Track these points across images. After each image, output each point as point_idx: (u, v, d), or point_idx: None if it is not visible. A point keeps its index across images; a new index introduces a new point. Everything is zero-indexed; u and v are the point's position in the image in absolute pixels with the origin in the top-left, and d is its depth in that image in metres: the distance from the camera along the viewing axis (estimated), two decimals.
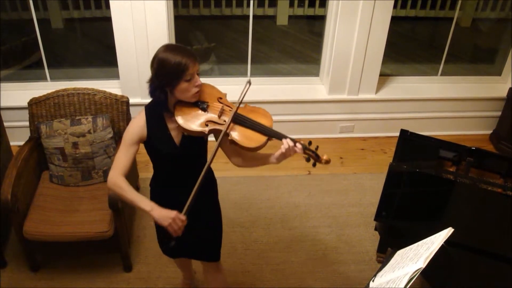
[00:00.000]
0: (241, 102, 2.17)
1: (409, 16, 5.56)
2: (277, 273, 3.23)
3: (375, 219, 3.02)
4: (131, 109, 3.36)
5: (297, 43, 5.41)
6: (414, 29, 5.82)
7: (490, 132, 4.62)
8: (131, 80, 4.01)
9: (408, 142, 3.02)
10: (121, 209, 2.90)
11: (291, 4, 5.56)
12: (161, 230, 2.54)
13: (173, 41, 3.96)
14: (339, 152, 4.33)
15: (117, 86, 4.16)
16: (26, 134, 3.29)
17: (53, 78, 4.25)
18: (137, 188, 3.73)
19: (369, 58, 4.07)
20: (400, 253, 1.85)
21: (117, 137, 3.32)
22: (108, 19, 3.77)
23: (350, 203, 3.79)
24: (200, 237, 2.49)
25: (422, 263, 1.59)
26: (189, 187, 2.13)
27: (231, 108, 2.19)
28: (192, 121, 2.15)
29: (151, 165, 2.42)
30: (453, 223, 1.86)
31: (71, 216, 3.02)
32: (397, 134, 3.07)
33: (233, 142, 2.15)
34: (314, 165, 2.19)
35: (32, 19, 3.92)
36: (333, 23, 3.98)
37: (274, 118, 2.25)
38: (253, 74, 4.40)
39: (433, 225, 2.85)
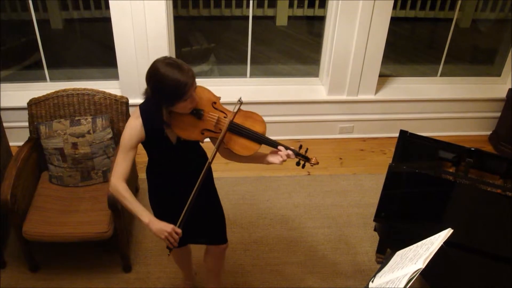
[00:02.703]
0: (234, 117, 2.20)
1: (409, 16, 5.56)
2: (277, 273, 3.23)
3: (374, 220, 3.02)
4: (131, 109, 3.35)
5: (297, 43, 5.41)
6: (413, 29, 5.82)
7: (489, 133, 4.62)
8: (130, 80, 4.01)
9: (408, 142, 3.02)
10: (120, 210, 2.90)
11: (291, 5, 5.56)
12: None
13: (172, 42, 3.96)
14: (338, 152, 4.33)
15: (117, 87, 4.16)
16: (25, 135, 3.29)
17: (52, 79, 4.25)
18: (136, 189, 3.73)
19: (369, 59, 4.07)
20: (399, 254, 1.86)
21: (117, 138, 3.32)
22: (108, 20, 3.77)
23: (349, 203, 3.79)
24: (206, 219, 2.54)
25: (421, 264, 1.59)
26: (185, 178, 2.23)
27: (226, 115, 2.22)
28: (189, 130, 2.18)
29: (143, 165, 2.45)
30: (453, 223, 1.86)
31: (70, 217, 3.02)
32: (397, 134, 3.07)
33: (228, 149, 2.21)
34: (303, 166, 2.27)
35: (31, 20, 3.92)
36: (333, 23, 3.98)
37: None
38: (252, 74, 4.40)
39: (432, 226, 2.85)
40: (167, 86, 1.98)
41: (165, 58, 2.05)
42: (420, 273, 1.58)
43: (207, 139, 2.29)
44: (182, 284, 3.09)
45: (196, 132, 2.19)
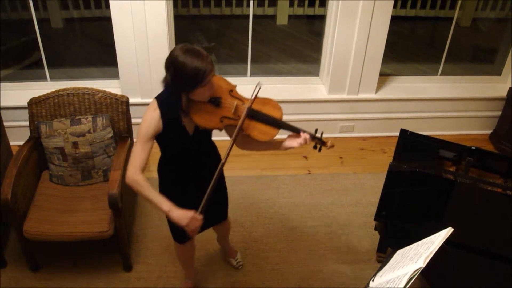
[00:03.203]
0: (253, 102, 2.25)
1: (409, 15, 5.56)
2: (277, 273, 3.23)
3: (375, 219, 3.02)
4: (131, 108, 3.36)
5: (297, 42, 5.41)
6: (414, 28, 5.83)
7: (490, 132, 4.62)
8: (131, 79, 4.01)
9: (408, 141, 3.02)
10: (121, 209, 2.90)
11: (291, 4, 5.56)
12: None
13: (173, 41, 3.96)
14: (339, 151, 4.33)
15: (117, 86, 4.16)
16: (26, 134, 3.29)
17: (53, 78, 4.25)
18: None
19: (369, 58, 4.07)
20: (400, 253, 1.86)
21: (117, 137, 3.32)
22: (108, 19, 3.77)
23: (350, 202, 3.79)
24: (216, 203, 2.58)
25: (422, 263, 1.60)
26: (198, 173, 2.32)
27: (243, 103, 2.27)
28: (208, 118, 2.22)
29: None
30: (453, 222, 1.86)
31: (71, 216, 3.02)
32: (397, 133, 3.07)
33: (247, 136, 2.26)
34: (320, 150, 2.33)
35: (32, 19, 3.92)
36: (333, 22, 3.98)
37: None
38: (253, 73, 4.40)
39: (433, 225, 2.85)
40: (186, 73, 2.03)
41: (183, 45, 2.10)
42: (420, 272, 1.58)
43: (222, 137, 2.32)
44: (183, 284, 3.09)
45: (215, 119, 2.22)
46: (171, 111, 2.20)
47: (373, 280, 1.82)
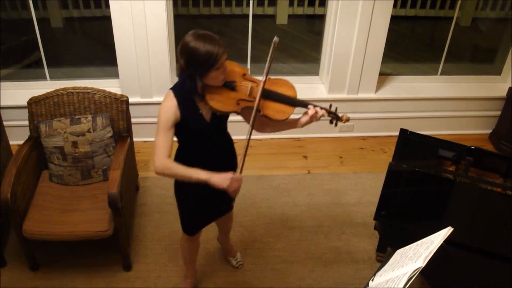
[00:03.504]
0: (266, 78, 2.29)
1: (409, 15, 5.56)
2: (277, 272, 3.23)
3: (374, 219, 3.02)
4: (131, 108, 3.36)
5: (297, 42, 5.41)
6: (413, 28, 5.83)
7: (489, 131, 4.62)
8: (130, 79, 4.01)
9: (408, 141, 3.02)
10: (120, 209, 2.90)
11: (291, 3, 5.56)
12: (194, 211, 2.62)
13: (172, 41, 3.96)
14: (338, 151, 4.33)
15: (117, 85, 4.15)
16: (25, 133, 3.29)
17: (52, 77, 4.25)
18: (136, 187, 3.73)
19: (369, 57, 4.07)
20: (399, 252, 1.86)
21: (117, 136, 3.32)
22: (108, 18, 3.77)
23: (349, 202, 3.79)
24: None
25: (421, 262, 1.60)
26: (215, 160, 2.38)
27: (258, 84, 2.33)
28: (224, 102, 2.26)
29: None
30: (453, 222, 1.86)
31: (70, 216, 3.02)
32: (397, 133, 3.07)
33: (264, 116, 2.31)
34: (336, 125, 2.44)
35: (31, 19, 3.92)
36: (333, 22, 3.98)
37: None
38: (252, 73, 4.37)
39: (432, 225, 2.85)
40: (199, 57, 2.08)
41: (194, 31, 2.15)
42: (420, 272, 1.58)
43: (235, 136, 2.35)
44: (182, 283, 3.09)
45: (232, 103, 2.27)
46: (188, 100, 2.25)
47: (372, 280, 1.82)
